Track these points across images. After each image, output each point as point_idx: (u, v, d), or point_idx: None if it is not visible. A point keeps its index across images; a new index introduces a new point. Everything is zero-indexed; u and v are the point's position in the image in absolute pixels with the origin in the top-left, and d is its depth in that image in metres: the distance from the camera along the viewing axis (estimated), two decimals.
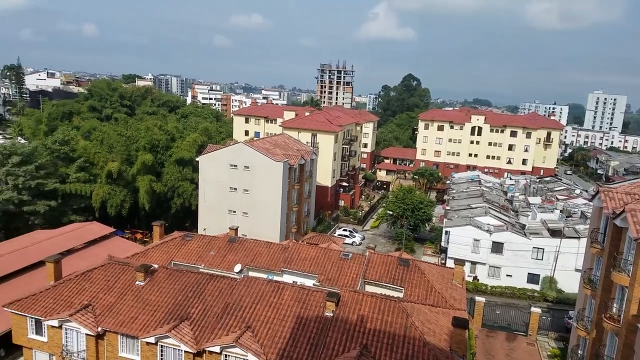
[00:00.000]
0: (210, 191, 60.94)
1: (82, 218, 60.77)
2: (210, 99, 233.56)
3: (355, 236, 72.56)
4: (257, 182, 58.79)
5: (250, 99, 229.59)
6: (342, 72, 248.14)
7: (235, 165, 59.34)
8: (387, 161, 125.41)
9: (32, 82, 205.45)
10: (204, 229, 59.60)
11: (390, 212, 70.58)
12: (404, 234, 66.74)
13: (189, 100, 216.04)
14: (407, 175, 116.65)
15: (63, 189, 60.86)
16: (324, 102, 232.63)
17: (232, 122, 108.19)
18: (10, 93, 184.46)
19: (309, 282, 36.45)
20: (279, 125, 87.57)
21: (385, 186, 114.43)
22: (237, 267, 38.96)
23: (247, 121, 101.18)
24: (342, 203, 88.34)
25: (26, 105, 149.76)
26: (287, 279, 37.52)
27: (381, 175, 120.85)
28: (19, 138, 78.22)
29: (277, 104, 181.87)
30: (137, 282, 30.01)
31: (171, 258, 40.02)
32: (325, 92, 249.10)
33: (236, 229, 46.02)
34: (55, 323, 27.90)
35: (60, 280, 30.79)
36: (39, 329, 28.95)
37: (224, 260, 39.97)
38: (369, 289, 36.18)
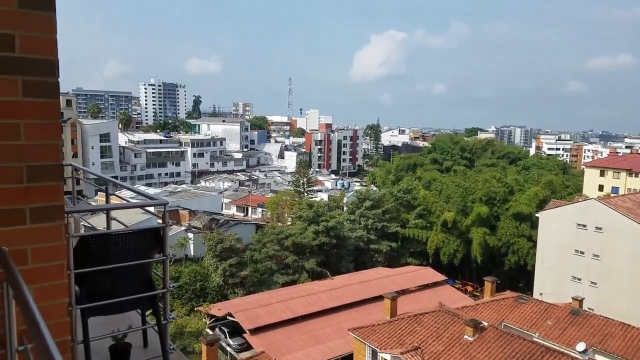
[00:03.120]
0: (550, 252, 54.44)
1: (416, 262, 64.64)
2: (557, 149, 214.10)
3: None
4: (613, 248, 48.83)
5: (608, 148, 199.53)
6: None
7: (584, 225, 51.15)
8: None
9: (386, 138, 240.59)
10: (540, 294, 53.30)
11: None
12: None
13: (532, 151, 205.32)
14: None
15: (403, 232, 66.75)
16: None
17: (583, 175, 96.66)
18: (369, 148, 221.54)
19: None
20: None
21: None
22: (581, 346, 32.49)
23: (602, 174, 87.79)
24: None
25: (380, 158, 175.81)
26: None
27: None
28: (372, 186, 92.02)
29: None
30: (465, 337, 28.74)
31: (502, 318, 37.05)
32: None
33: (581, 301, 39.01)
34: (388, 357, 29.46)
35: (395, 317, 32.72)
36: (374, 359, 31.24)
37: (563, 334, 34.19)
38: None
